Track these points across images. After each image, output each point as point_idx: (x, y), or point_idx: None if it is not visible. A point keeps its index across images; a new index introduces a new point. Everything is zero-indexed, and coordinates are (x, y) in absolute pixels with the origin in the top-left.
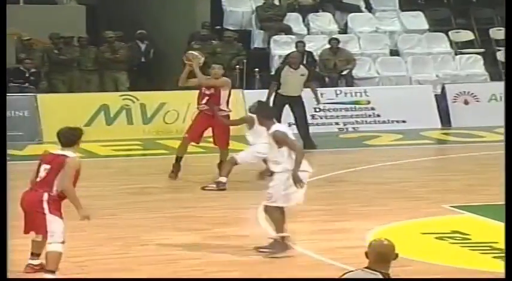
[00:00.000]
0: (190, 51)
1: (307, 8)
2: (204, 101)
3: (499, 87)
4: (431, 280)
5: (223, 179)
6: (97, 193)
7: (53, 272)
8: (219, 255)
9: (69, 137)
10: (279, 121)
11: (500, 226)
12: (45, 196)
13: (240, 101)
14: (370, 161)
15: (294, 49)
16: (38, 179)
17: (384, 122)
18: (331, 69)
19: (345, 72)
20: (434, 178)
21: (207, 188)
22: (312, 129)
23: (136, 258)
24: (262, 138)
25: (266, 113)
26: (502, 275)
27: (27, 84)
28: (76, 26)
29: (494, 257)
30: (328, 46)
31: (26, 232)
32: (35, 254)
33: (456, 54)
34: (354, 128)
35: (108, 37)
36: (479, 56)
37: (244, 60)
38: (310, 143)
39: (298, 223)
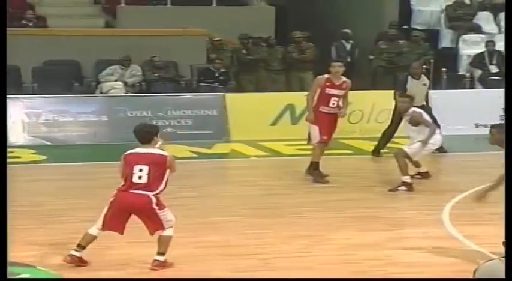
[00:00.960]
0: None
1: (498, 7)
2: (333, 104)
3: None
4: (432, 280)
5: (406, 178)
6: (283, 192)
7: (163, 254)
8: (402, 256)
9: (146, 134)
10: (395, 130)
11: None
12: (154, 200)
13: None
14: None
15: (483, 49)
16: (140, 181)
17: None
18: None
19: None
20: None
21: (397, 190)
22: None
23: (318, 257)
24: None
25: None
26: None
27: (216, 84)
28: (265, 27)
29: None
30: None
31: (151, 233)
32: (80, 246)
33: None
34: None
35: (296, 37)
36: None
37: (432, 60)
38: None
39: (486, 226)
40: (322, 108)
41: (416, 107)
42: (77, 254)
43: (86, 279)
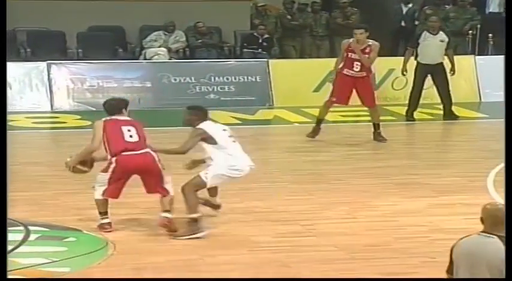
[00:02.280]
0: None
1: None
2: (356, 68)
3: None
4: (434, 280)
5: None
6: (325, 158)
7: (169, 211)
8: (445, 223)
9: (115, 105)
10: (420, 90)
11: None
12: (156, 157)
13: (471, 67)
14: None
15: None
16: (131, 140)
17: None
18: None
19: None
20: None
21: None
22: None
23: (361, 223)
24: None
25: None
26: None
27: (260, 50)
28: None
29: None
30: None
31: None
32: (102, 213)
33: None
34: None
35: (342, 2)
36: None
37: (478, 26)
38: (451, 114)
39: None
40: (346, 71)
41: (433, 65)
42: (106, 221)
43: (86, 279)
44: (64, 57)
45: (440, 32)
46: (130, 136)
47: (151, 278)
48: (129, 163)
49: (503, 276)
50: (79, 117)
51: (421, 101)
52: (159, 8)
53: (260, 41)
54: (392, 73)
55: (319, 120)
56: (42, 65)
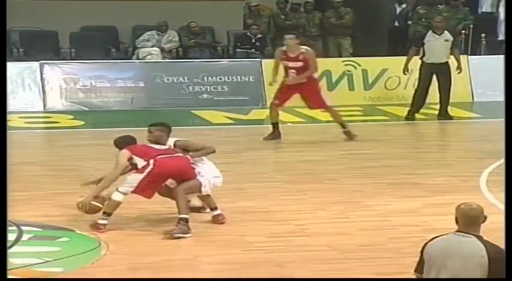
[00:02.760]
0: None
1: None
2: (291, 76)
3: None
4: (431, 280)
5: None
6: (319, 158)
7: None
8: (439, 223)
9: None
10: (427, 91)
11: None
12: (190, 159)
13: (464, 67)
14: None
15: None
16: (164, 148)
17: None
18: None
19: None
20: None
21: None
22: None
23: (355, 223)
24: None
25: None
26: None
27: (253, 50)
28: None
29: None
30: None
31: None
32: (106, 214)
33: None
34: None
35: (335, 2)
36: None
37: (471, 26)
38: (446, 114)
39: None
40: (288, 81)
41: (438, 64)
42: (104, 222)
43: (86, 279)
44: (57, 57)
45: (445, 32)
46: (159, 147)
47: (152, 278)
48: (166, 165)
49: (486, 272)
50: (72, 117)
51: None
52: (152, 8)
53: (253, 41)
54: (385, 73)
55: (274, 124)
56: (35, 65)
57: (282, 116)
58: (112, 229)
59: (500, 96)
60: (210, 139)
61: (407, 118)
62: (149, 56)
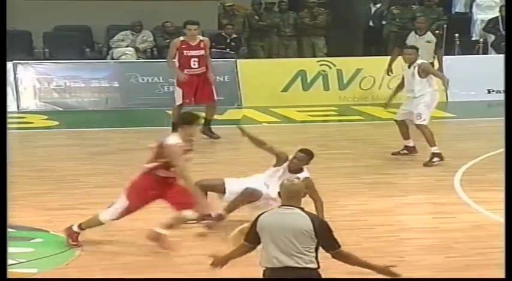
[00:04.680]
0: None
1: None
2: (194, 65)
3: None
4: (433, 280)
5: (435, 149)
6: None
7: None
8: (414, 222)
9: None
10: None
11: None
12: None
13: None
14: None
15: (497, 14)
16: None
17: None
18: None
19: None
20: None
21: (432, 164)
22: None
23: (331, 223)
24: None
25: None
26: None
27: (228, 50)
28: None
29: None
30: None
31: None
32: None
33: None
34: None
35: (310, 2)
36: None
37: (445, 26)
38: None
39: (497, 192)
40: (186, 71)
41: None
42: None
43: (86, 279)
44: (30, 57)
45: (428, 33)
46: None
47: (152, 278)
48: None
49: (314, 241)
50: (46, 117)
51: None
52: (126, 8)
53: (228, 41)
54: (360, 73)
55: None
56: (9, 65)
57: (256, 115)
58: (86, 231)
59: (474, 96)
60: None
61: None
62: (124, 56)
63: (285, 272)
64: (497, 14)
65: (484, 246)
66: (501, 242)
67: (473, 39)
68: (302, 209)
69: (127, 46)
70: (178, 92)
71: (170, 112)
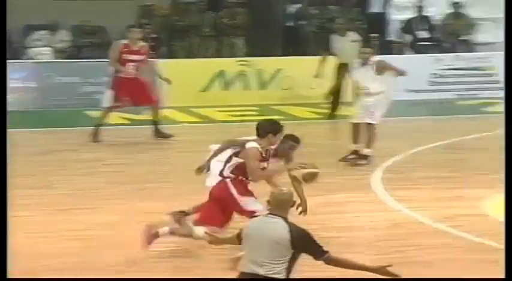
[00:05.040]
0: None
1: None
2: (131, 69)
3: None
4: (432, 280)
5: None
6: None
7: None
8: (334, 221)
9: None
10: (339, 89)
11: None
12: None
13: None
14: (489, 128)
15: (414, 14)
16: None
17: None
18: (452, 34)
19: (464, 38)
20: None
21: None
22: (429, 96)
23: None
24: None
25: None
26: None
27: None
28: None
29: None
30: (450, 10)
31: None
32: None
33: None
34: (472, 94)
35: (229, 2)
36: None
37: (362, 26)
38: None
39: (417, 190)
40: (123, 74)
41: (348, 64)
42: None
43: (86, 279)
44: None
45: (351, 33)
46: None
47: (154, 278)
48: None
49: (289, 251)
50: None
51: (308, 101)
52: (43, 7)
53: (147, 40)
54: (280, 73)
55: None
56: None
57: (176, 115)
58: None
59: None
60: (106, 140)
61: (329, 116)
62: (40, 56)
63: (252, 279)
64: (414, 15)
65: (403, 244)
66: (420, 240)
67: (388, 39)
68: (285, 219)
69: (44, 46)
70: (110, 95)
71: (89, 113)
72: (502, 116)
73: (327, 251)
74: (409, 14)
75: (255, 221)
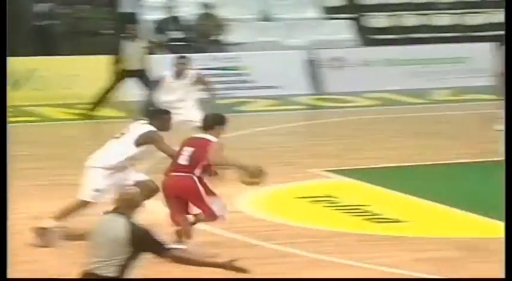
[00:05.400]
0: None
1: None
2: None
3: (369, 52)
4: (432, 280)
5: None
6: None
7: None
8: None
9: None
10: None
11: (372, 189)
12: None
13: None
14: (242, 127)
15: (166, 15)
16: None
17: (255, 88)
18: (203, 34)
19: (215, 38)
20: (307, 143)
21: None
22: None
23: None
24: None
25: None
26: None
27: None
28: None
29: (365, 219)
30: (201, 11)
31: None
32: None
33: (326, 19)
34: (223, 94)
35: None
36: (348, 22)
37: (114, 25)
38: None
39: None
40: None
41: (133, 70)
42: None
43: (86, 279)
44: None
45: (140, 39)
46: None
47: (150, 278)
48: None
49: (127, 250)
50: None
51: (66, 102)
52: None
53: None
54: (34, 73)
55: None
56: None
57: None
58: None
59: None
60: None
61: (87, 114)
62: None
63: (89, 278)
64: (166, 15)
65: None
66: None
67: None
68: (128, 217)
69: None
70: None
71: None
72: (256, 115)
73: (169, 249)
74: (161, 14)
75: (100, 220)
